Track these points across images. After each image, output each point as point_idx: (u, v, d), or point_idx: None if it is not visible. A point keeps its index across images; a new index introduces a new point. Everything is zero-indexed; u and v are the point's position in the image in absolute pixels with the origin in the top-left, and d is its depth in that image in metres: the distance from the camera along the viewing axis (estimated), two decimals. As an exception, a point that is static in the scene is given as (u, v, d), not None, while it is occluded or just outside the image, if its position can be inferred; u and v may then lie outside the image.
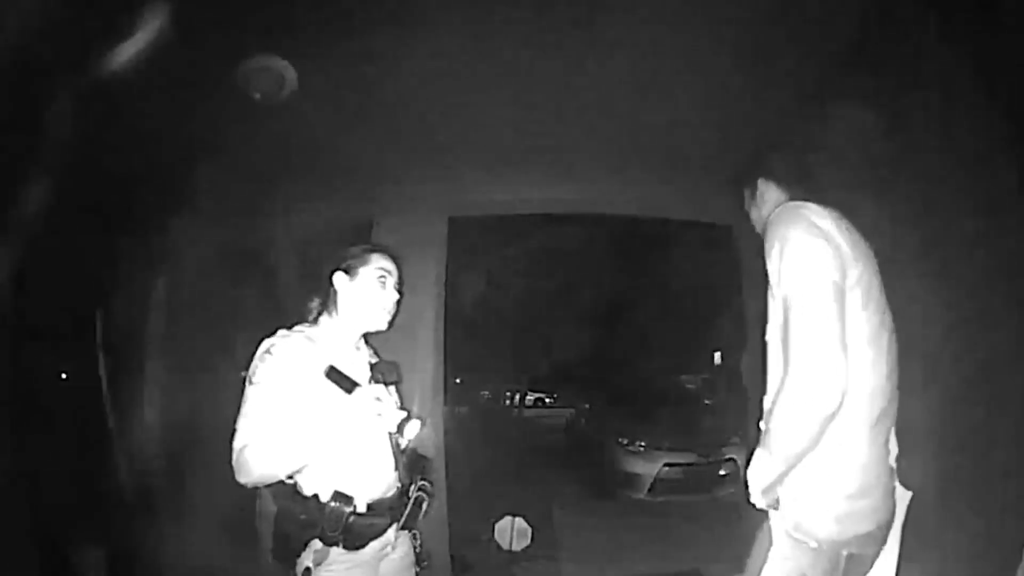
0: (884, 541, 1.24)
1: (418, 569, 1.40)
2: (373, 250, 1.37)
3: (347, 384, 1.20)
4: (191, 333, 2.41)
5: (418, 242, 2.50)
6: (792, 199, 1.32)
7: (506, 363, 8.03)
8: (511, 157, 2.42)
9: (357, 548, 1.24)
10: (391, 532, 1.31)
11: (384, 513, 1.28)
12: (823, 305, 1.11)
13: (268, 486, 1.25)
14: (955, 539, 1.45)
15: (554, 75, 1.97)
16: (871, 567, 1.24)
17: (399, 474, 1.33)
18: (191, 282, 2.38)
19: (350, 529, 1.22)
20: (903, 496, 1.46)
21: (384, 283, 1.34)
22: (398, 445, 1.34)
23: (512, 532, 3.23)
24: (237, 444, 1.18)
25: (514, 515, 3.26)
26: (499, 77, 1.98)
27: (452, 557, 2.62)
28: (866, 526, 1.18)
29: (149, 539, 2.09)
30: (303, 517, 1.22)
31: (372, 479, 1.29)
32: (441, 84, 2.01)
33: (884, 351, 1.20)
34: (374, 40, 1.79)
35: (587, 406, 8.11)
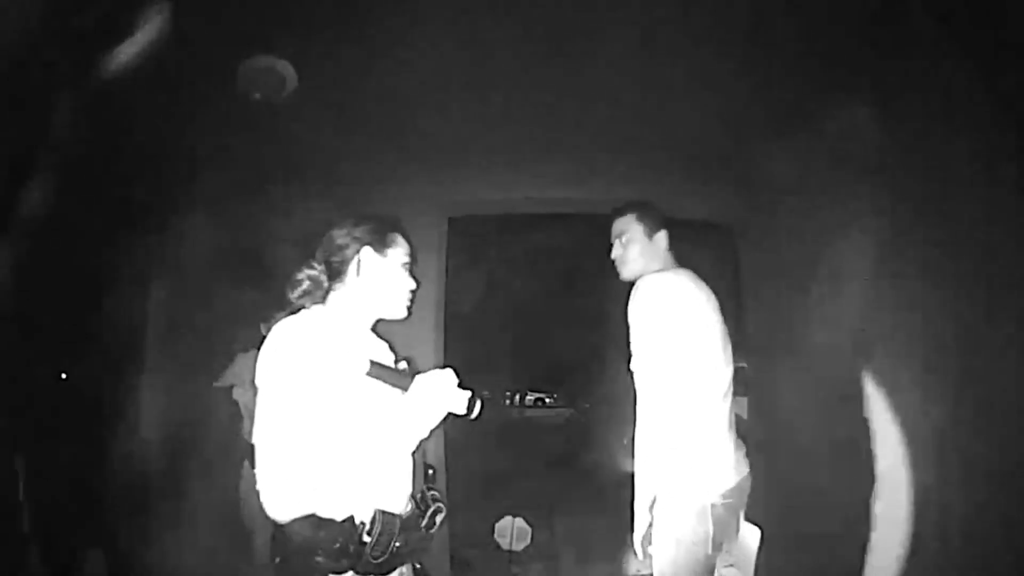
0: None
1: None
2: (398, 232, 1.25)
3: (400, 379, 1.05)
4: (191, 333, 2.41)
5: (418, 242, 2.49)
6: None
7: (506, 363, 8.01)
8: (511, 157, 2.42)
9: (386, 574, 1.07)
10: None
11: (410, 530, 1.11)
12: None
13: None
14: (955, 540, 1.45)
15: (554, 75, 1.97)
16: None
17: (414, 485, 1.18)
18: (191, 282, 2.38)
19: (397, 553, 1.04)
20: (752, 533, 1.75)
21: (407, 270, 1.24)
22: (420, 448, 1.17)
23: (512, 532, 3.23)
24: (265, 470, 0.97)
25: (514, 515, 3.26)
26: (499, 77, 1.98)
27: (452, 557, 2.62)
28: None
29: (148, 539, 2.09)
30: (336, 547, 0.99)
31: (400, 492, 1.14)
32: (441, 84, 2.01)
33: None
34: (374, 40, 1.79)
35: (587, 406, 8.10)
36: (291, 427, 0.98)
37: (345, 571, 1.02)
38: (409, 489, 1.16)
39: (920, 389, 1.58)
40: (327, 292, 1.17)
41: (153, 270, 2.39)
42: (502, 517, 3.26)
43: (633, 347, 1.53)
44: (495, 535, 3.24)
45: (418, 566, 1.24)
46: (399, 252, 1.22)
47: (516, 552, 3.22)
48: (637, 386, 1.52)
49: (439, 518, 1.19)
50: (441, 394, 1.05)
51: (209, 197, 2.34)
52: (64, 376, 2.15)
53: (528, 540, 3.24)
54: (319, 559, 1.00)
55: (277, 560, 1.04)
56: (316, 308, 1.15)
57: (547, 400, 11.86)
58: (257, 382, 1.02)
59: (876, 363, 1.75)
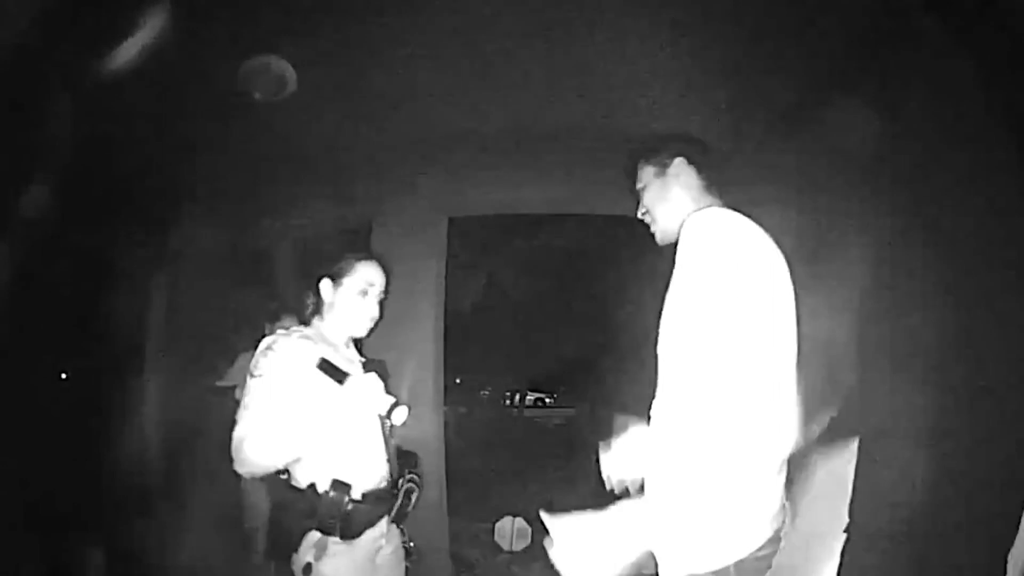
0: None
1: (408, 564, 1.48)
2: (361, 259, 1.42)
3: (339, 375, 1.27)
4: (191, 333, 2.42)
5: (418, 242, 2.50)
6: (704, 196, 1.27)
7: (506, 363, 8.01)
8: (511, 157, 2.42)
9: (353, 537, 1.31)
10: (383, 524, 1.39)
11: (377, 503, 1.36)
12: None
13: (263, 479, 1.33)
14: (950, 542, 1.45)
15: (555, 75, 1.97)
16: None
17: (390, 467, 1.41)
18: (191, 282, 2.38)
19: (349, 517, 1.29)
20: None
21: (366, 294, 1.40)
22: (389, 436, 1.42)
23: (512, 532, 3.24)
24: (237, 434, 1.24)
25: (514, 515, 3.26)
26: (499, 77, 1.99)
27: (452, 557, 2.62)
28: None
29: (148, 539, 2.09)
30: (300, 507, 1.29)
31: (366, 469, 1.37)
32: (441, 84, 2.01)
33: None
34: (374, 40, 1.79)
35: (587, 406, 8.10)
36: (263, 409, 1.25)
37: (309, 529, 1.28)
38: (383, 469, 1.39)
39: (920, 388, 1.58)
40: (313, 314, 1.43)
41: (153, 270, 2.39)
42: (502, 517, 3.27)
43: (669, 321, 1.11)
44: (495, 535, 3.25)
45: (407, 544, 1.47)
46: (355, 280, 1.39)
47: (516, 552, 3.23)
48: (670, 382, 1.12)
49: (414, 496, 1.45)
50: (362, 395, 1.26)
51: (210, 197, 2.34)
52: (64, 376, 2.15)
53: (528, 540, 3.24)
54: (289, 519, 1.30)
55: (267, 530, 1.39)
56: (301, 328, 1.42)
57: (547, 400, 11.86)
58: (248, 375, 1.29)
59: (871, 363, 1.75)
